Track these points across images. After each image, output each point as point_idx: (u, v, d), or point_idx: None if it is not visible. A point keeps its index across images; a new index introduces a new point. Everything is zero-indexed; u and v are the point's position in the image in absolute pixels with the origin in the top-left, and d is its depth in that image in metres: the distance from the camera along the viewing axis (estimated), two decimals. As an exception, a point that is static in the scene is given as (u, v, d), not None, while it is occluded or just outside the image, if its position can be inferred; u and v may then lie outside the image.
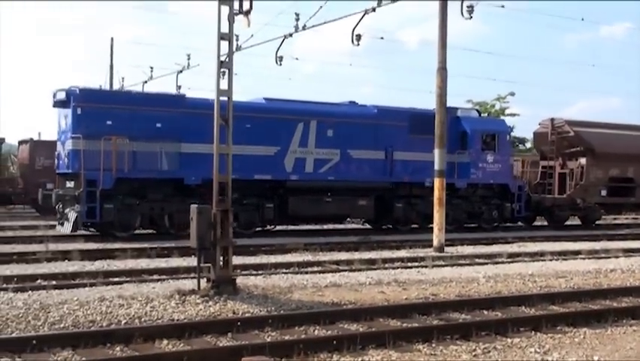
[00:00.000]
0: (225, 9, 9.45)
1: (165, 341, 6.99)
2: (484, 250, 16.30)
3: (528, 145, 42.96)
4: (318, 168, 19.94)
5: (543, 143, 25.83)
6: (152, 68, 34.52)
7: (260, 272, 11.78)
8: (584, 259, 15.11)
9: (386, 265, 13.20)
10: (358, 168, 20.56)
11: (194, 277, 9.61)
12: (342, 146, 20.17)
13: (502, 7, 19.84)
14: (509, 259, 14.64)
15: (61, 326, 7.49)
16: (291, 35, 22.50)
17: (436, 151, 16.70)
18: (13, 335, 7.09)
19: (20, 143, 30.35)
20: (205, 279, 9.26)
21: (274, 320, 7.74)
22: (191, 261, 11.54)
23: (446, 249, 16.09)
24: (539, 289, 10.62)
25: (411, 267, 13.00)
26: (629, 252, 16.34)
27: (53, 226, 18.68)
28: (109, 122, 17.33)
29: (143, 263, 12.95)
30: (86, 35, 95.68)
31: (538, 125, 26.47)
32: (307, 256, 14.32)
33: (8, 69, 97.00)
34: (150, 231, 18.51)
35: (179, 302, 8.58)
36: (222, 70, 9.62)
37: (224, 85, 9.59)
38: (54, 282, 10.34)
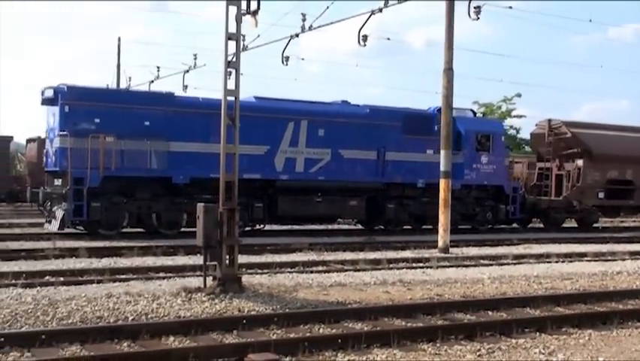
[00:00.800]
0: (233, 9, 9.51)
1: (172, 338, 7.04)
2: (489, 252, 16.30)
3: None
4: (309, 167, 19.77)
5: (540, 144, 25.56)
6: (158, 67, 34.62)
7: (265, 271, 11.84)
8: (590, 261, 15.09)
9: (391, 266, 13.23)
10: (350, 168, 20.30)
11: (200, 275, 9.66)
12: (333, 146, 19.97)
13: (510, 8, 19.84)
14: (514, 261, 14.64)
15: (70, 321, 7.57)
16: (297, 36, 22.52)
17: (442, 152, 16.69)
18: (23, 329, 7.18)
19: (28, 141, 30.53)
20: (211, 277, 9.33)
21: (279, 318, 7.78)
22: (197, 259, 11.63)
23: (451, 250, 16.10)
24: (544, 291, 10.63)
25: (416, 267, 13.02)
26: (635, 255, 16.31)
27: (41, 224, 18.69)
28: (97, 120, 17.26)
29: (149, 261, 13.05)
30: (93, 35, 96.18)
31: (535, 126, 26.30)
32: (312, 256, 14.37)
33: (16, 68, 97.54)
34: (139, 230, 18.41)
35: (185, 300, 8.64)
36: (229, 70, 9.68)
37: (231, 85, 9.64)
38: (62, 278, 10.42)
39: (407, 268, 12.97)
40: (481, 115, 43.26)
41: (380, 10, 19.26)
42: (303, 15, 21.82)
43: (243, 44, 23.10)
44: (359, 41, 20.49)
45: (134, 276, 10.92)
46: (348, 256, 14.70)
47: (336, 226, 22.53)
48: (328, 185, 19.92)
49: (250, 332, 7.42)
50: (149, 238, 17.03)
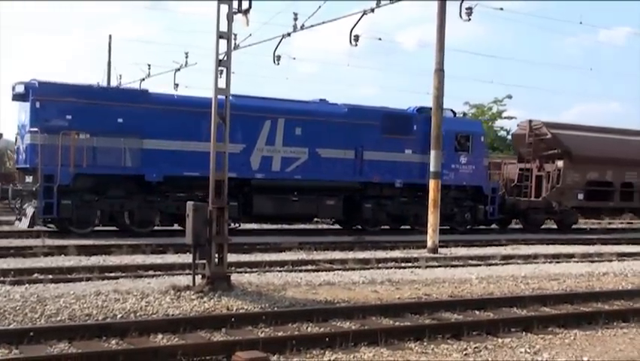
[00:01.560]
0: (224, 8, 9.53)
1: (160, 336, 7.07)
2: (477, 252, 16.40)
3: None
4: (286, 166, 19.51)
5: (521, 145, 25.51)
6: (149, 65, 34.55)
7: (254, 270, 11.87)
8: (577, 262, 15.20)
9: (380, 265, 13.29)
10: (327, 168, 19.95)
11: (189, 274, 9.68)
12: (310, 144, 19.73)
13: (501, 9, 19.98)
14: (502, 261, 14.74)
15: (58, 318, 7.57)
16: (289, 35, 22.54)
17: (432, 153, 16.79)
18: (11, 326, 7.18)
19: (18, 138, 30.30)
20: (200, 275, 9.34)
21: (268, 316, 7.82)
22: (186, 258, 11.64)
23: (440, 250, 16.18)
24: (531, 291, 10.72)
25: (404, 267, 13.08)
26: (622, 256, 16.46)
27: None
28: (68, 117, 16.95)
29: (138, 259, 13.05)
30: (84, 33, 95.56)
31: (517, 127, 26.31)
32: (301, 255, 14.41)
33: (6, 65, 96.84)
34: (111, 228, 18.15)
35: (174, 298, 8.66)
36: (220, 68, 9.69)
37: (222, 83, 9.66)
38: (51, 276, 10.44)
39: (396, 267, 13.04)
40: (473, 116, 43.50)
41: (372, 10, 19.32)
42: (295, 14, 21.88)
43: (235, 43, 23.10)
44: (351, 41, 20.57)
45: (123, 274, 10.91)
46: (338, 255, 14.74)
47: (325, 226, 22.50)
48: (305, 184, 19.67)
49: (238, 330, 7.45)
50: (138, 236, 17.00)
